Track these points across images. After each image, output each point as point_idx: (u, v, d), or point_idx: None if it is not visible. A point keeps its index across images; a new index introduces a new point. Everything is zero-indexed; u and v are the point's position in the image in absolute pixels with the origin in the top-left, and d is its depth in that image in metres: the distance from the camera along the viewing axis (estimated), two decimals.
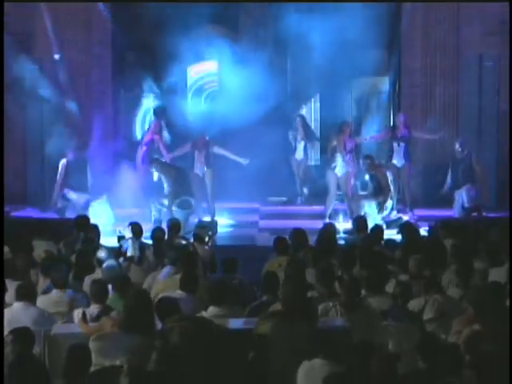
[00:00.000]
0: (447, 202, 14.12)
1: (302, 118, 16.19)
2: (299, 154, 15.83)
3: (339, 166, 13.74)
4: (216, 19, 16.05)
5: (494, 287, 7.49)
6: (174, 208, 13.44)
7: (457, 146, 14.03)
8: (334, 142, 13.83)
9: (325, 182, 14.12)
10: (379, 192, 13.62)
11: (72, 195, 13.78)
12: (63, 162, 13.83)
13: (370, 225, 11.21)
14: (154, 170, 14.05)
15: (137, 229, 10.43)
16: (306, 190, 15.90)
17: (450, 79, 15.43)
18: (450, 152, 14.76)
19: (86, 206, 13.68)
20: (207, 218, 13.74)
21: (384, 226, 12.80)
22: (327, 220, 13.36)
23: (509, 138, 14.78)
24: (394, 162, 14.30)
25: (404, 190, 14.44)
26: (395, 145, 14.30)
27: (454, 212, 13.86)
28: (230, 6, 15.68)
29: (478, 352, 6.09)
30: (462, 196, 13.80)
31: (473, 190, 13.78)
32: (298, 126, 15.84)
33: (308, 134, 15.96)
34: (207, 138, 14.13)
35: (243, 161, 14.19)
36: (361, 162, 13.98)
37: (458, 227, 10.78)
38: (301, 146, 15.80)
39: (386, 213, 13.51)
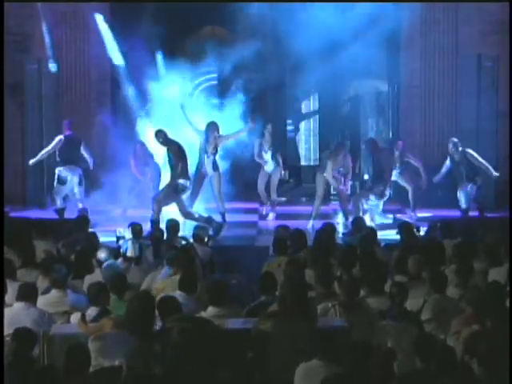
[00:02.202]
0: (446, 202, 14.12)
1: (273, 126, 15.03)
2: (269, 166, 14.60)
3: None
4: (215, 21, 16.01)
5: (493, 287, 7.51)
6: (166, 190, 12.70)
7: (450, 146, 13.99)
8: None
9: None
10: (381, 175, 13.50)
11: (65, 172, 13.69)
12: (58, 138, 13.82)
13: (379, 221, 11.13)
14: (159, 141, 12.80)
15: (137, 229, 10.42)
16: (275, 196, 14.85)
17: (448, 79, 15.43)
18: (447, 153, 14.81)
19: (81, 181, 13.65)
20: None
21: (391, 221, 12.93)
22: (312, 222, 13.29)
23: (508, 137, 14.78)
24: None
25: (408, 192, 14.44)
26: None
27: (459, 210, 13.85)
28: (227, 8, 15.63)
29: (477, 352, 6.09)
30: (461, 196, 13.79)
31: (474, 189, 13.75)
32: (266, 133, 14.56)
33: (275, 143, 14.83)
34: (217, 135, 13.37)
35: (247, 129, 13.74)
36: (363, 145, 13.90)
37: (457, 227, 10.79)
38: (268, 155, 14.60)
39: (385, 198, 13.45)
